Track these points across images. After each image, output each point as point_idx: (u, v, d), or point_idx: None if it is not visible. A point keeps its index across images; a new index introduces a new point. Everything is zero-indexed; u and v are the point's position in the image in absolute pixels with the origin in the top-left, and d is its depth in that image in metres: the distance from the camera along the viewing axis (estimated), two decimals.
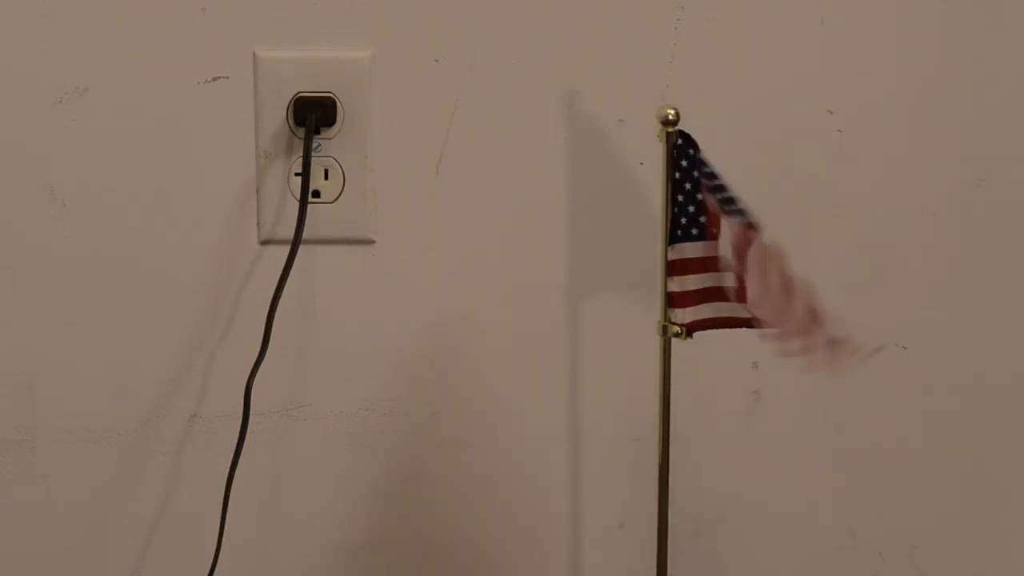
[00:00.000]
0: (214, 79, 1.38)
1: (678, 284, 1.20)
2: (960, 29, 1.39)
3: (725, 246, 1.19)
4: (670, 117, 1.20)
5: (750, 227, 1.18)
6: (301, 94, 1.38)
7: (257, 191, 1.40)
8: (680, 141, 1.20)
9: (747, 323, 1.20)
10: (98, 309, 1.41)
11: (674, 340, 1.22)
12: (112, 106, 1.38)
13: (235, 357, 1.40)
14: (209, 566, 1.39)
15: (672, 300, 1.21)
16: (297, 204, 1.38)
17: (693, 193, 1.20)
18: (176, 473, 1.43)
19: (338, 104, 1.38)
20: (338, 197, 1.40)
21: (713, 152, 1.21)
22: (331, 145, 1.39)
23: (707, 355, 1.40)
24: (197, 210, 1.40)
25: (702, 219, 1.20)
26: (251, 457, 1.39)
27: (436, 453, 1.44)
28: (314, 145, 1.38)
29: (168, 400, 1.42)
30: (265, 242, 1.41)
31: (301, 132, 1.38)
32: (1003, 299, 1.43)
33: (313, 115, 1.37)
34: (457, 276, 1.41)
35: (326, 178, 1.40)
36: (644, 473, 1.41)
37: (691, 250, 1.20)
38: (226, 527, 1.38)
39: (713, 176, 1.20)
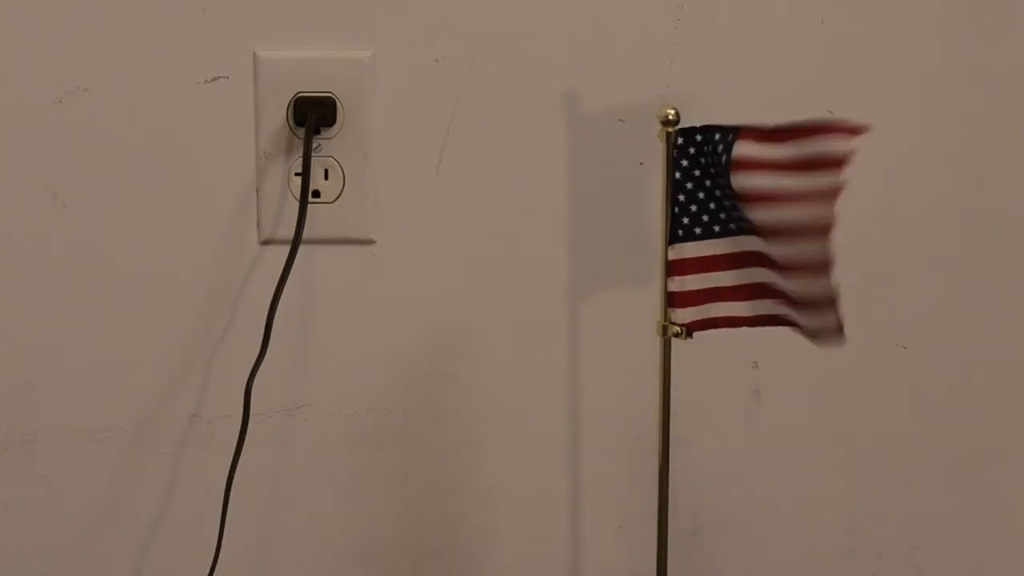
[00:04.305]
0: (214, 79, 1.38)
1: (678, 284, 1.20)
2: (960, 29, 1.39)
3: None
4: (670, 117, 1.20)
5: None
6: (301, 94, 1.38)
7: (257, 191, 1.40)
8: (681, 140, 1.20)
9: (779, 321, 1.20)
10: (98, 309, 1.41)
11: (674, 340, 1.22)
12: (112, 106, 1.38)
13: (235, 357, 1.40)
14: (209, 566, 1.39)
15: (672, 300, 1.21)
16: (297, 204, 1.38)
17: (694, 192, 1.20)
18: (176, 473, 1.43)
19: (338, 104, 1.38)
20: (338, 197, 1.40)
21: None
22: (331, 145, 1.39)
23: (707, 355, 1.40)
24: (197, 210, 1.40)
25: (704, 217, 1.20)
26: (251, 457, 1.39)
27: (436, 453, 1.44)
28: (314, 145, 1.38)
29: (168, 400, 1.42)
30: (265, 242, 1.41)
31: (301, 132, 1.38)
32: (1003, 299, 1.43)
33: (313, 115, 1.37)
34: (457, 276, 1.41)
35: (326, 178, 1.40)
36: (644, 473, 1.41)
37: (692, 250, 1.20)
38: (226, 527, 1.38)
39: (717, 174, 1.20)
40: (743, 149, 1.18)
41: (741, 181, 1.18)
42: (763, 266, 1.20)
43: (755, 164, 1.17)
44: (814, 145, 1.16)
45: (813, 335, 1.19)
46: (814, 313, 1.18)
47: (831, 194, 1.16)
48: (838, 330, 1.18)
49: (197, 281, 1.41)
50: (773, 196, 1.17)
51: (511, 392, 1.43)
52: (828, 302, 1.17)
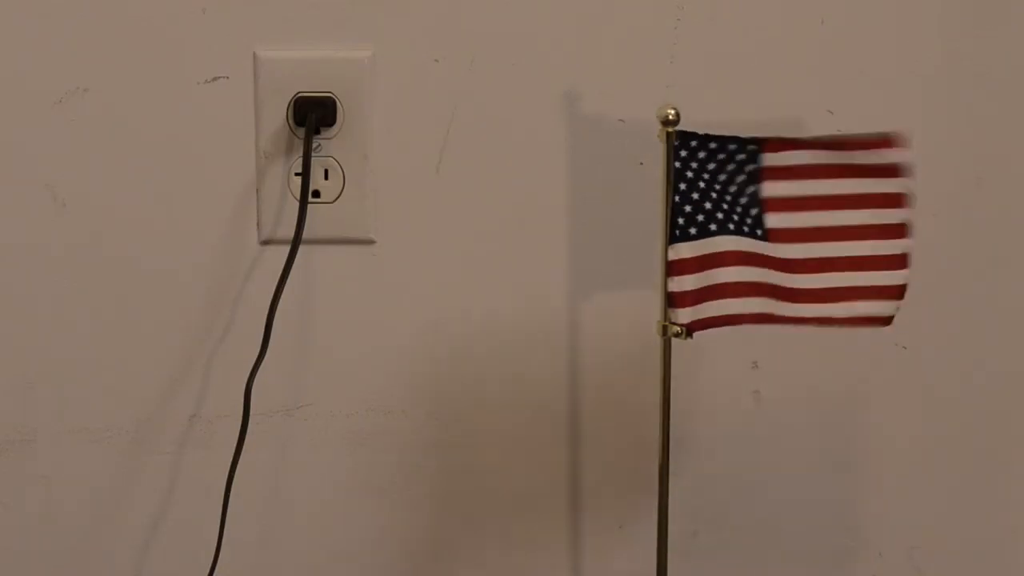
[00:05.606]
0: (214, 79, 1.38)
1: (678, 284, 1.20)
2: (960, 29, 1.39)
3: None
4: (670, 117, 1.20)
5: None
6: (301, 94, 1.38)
7: (257, 191, 1.40)
8: (678, 142, 1.20)
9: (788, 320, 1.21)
10: (98, 309, 1.41)
11: (674, 340, 1.22)
12: (112, 106, 1.38)
13: (235, 357, 1.40)
14: (209, 566, 1.39)
15: (672, 300, 1.21)
16: (297, 204, 1.38)
17: (688, 193, 1.20)
18: (176, 473, 1.43)
19: (338, 104, 1.38)
20: (338, 197, 1.40)
21: None
22: (331, 145, 1.39)
23: (707, 355, 1.40)
24: (197, 210, 1.40)
25: (700, 217, 1.20)
26: (251, 457, 1.39)
27: (436, 453, 1.44)
28: (314, 145, 1.38)
29: (168, 400, 1.42)
30: (265, 242, 1.41)
31: (301, 132, 1.38)
32: (1003, 299, 1.43)
33: (313, 115, 1.37)
34: (457, 276, 1.41)
35: (326, 178, 1.40)
36: (644, 473, 1.41)
37: (691, 250, 1.20)
38: (226, 527, 1.38)
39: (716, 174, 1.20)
40: (773, 160, 1.20)
41: (777, 190, 1.20)
42: (765, 266, 1.20)
43: (794, 172, 1.20)
44: (859, 156, 1.20)
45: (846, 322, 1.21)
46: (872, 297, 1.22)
47: (899, 199, 1.21)
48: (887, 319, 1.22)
49: (197, 281, 1.41)
50: (828, 201, 1.20)
51: (511, 392, 1.43)
52: (893, 290, 1.22)
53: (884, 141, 1.21)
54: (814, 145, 1.22)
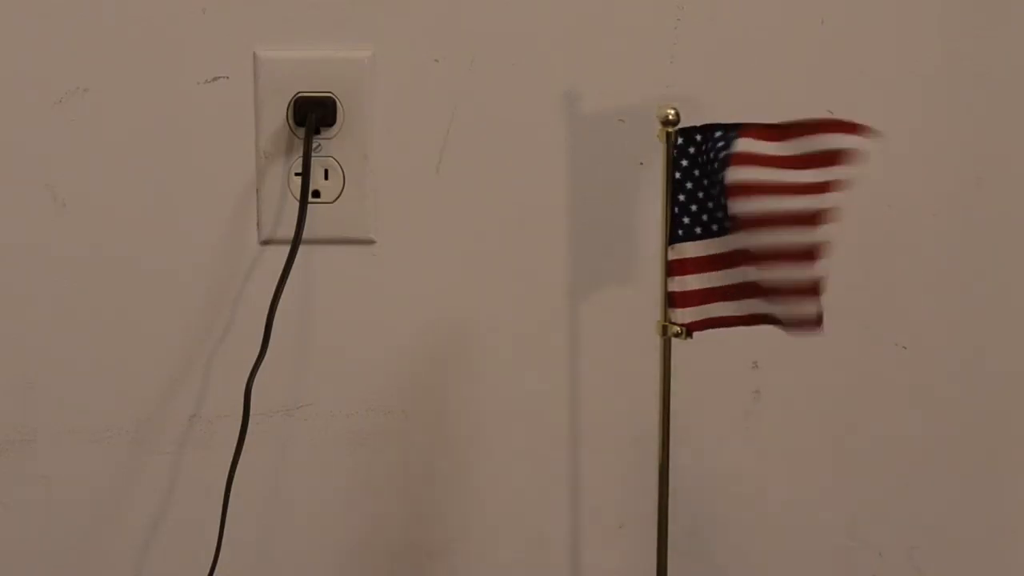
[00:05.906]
0: (214, 79, 1.38)
1: (678, 284, 1.20)
2: (960, 28, 1.39)
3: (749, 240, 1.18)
4: (670, 117, 1.20)
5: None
6: (301, 94, 1.38)
7: (257, 191, 1.40)
8: (680, 140, 1.20)
9: (767, 320, 1.19)
10: (98, 309, 1.41)
11: (674, 340, 1.22)
12: (112, 106, 1.38)
13: (235, 357, 1.40)
14: (209, 566, 1.39)
15: (672, 300, 1.21)
16: (297, 204, 1.38)
17: (694, 192, 1.20)
18: (176, 473, 1.43)
19: (338, 104, 1.38)
20: (338, 197, 1.40)
21: None
22: (331, 145, 1.39)
23: (707, 355, 1.40)
24: (197, 210, 1.40)
25: (704, 217, 1.20)
26: (251, 457, 1.39)
27: (436, 453, 1.44)
28: (314, 145, 1.38)
29: (168, 400, 1.42)
30: (265, 242, 1.41)
31: (301, 132, 1.38)
32: (1003, 299, 1.43)
33: (313, 115, 1.37)
34: (457, 276, 1.41)
35: (326, 178, 1.40)
36: (644, 473, 1.41)
37: (691, 250, 1.20)
38: (226, 527, 1.38)
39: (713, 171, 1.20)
40: (743, 145, 1.17)
41: (737, 175, 1.17)
42: (750, 263, 1.19)
43: (754, 159, 1.17)
44: (816, 142, 1.16)
45: (790, 324, 1.18)
46: (793, 301, 1.16)
47: (831, 186, 1.15)
48: (817, 319, 1.16)
49: (197, 281, 1.41)
50: (766, 188, 1.16)
51: (511, 392, 1.43)
52: (810, 290, 1.16)
53: (850, 126, 1.16)
54: (787, 134, 1.17)
